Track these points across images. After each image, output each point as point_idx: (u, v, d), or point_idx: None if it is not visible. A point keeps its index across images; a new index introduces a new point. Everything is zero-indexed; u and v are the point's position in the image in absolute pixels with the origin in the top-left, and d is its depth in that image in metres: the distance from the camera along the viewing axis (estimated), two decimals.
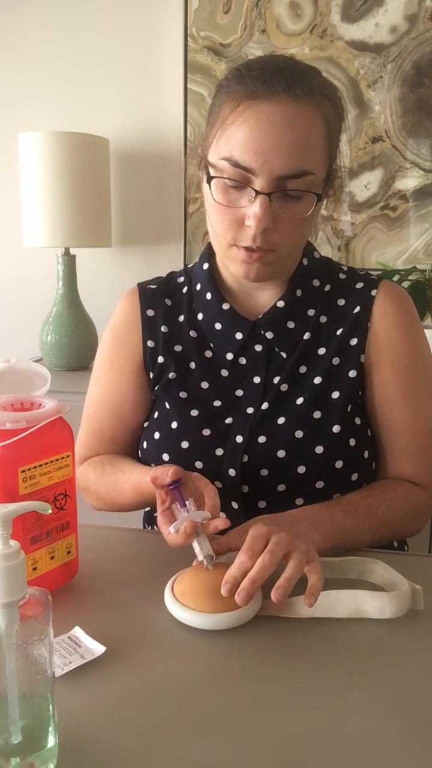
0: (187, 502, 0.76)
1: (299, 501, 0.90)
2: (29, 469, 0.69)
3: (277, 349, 0.94)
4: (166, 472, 0.76)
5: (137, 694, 0.59)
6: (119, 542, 0.90)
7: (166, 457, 0.93)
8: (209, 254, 0.98)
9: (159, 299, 1.00)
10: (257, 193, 0.81)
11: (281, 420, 0.91)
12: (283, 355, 0.94)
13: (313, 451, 0.89)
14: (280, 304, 0.94)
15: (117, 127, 2.10)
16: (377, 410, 0.94)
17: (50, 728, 0.51)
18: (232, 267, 0.90)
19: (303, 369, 0.93)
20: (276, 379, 0.93)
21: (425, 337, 0.97)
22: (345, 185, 0.94)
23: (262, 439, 0.90)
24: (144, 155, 2.11)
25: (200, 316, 0.97)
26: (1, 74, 2.15)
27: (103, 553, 0.85)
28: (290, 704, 0.58)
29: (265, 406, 0.92)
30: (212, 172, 0.85)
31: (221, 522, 0.74)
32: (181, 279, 1.02)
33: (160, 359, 0.97)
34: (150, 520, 1.07)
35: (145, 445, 0.97)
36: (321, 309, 0.95)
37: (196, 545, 0.74)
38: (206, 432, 0.92)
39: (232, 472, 0.90)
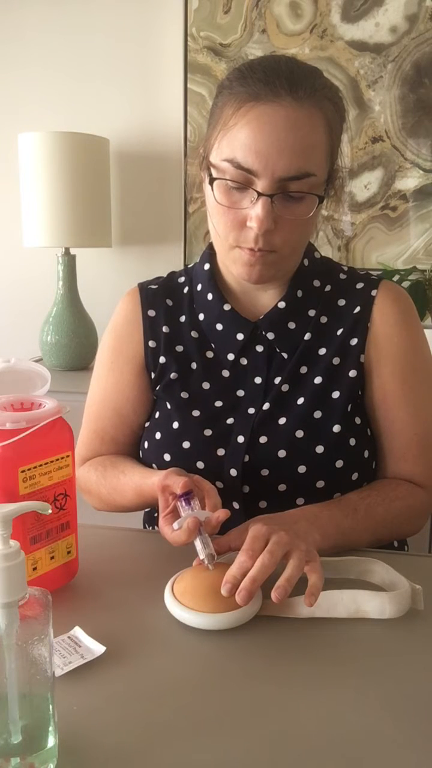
0: (191, 501, 0.76)
1: (300, 501, 0.90)
2: (29, 469, 0.69)
3: (278, 350, 0.94)
4: (178, 483, 0.76)
5: (137, 694, 0.59)
6: (119, 542, 0.90)
7: (167, 457, 0.93)
8: (210, 254, 0.98)
9: (160, 299, 1.00)
10: (259, 194, 0.81)
11: (282, 420, 0.91)
12: (284, 355, 0.94)
13: (314, 450, 0.89)
14: (281, 304, 0.94)
15: (117, 127, 2.10)
16: (377, 410, 0.94)
17: (50, 728, 0.51)
18: (234, 269, 0.90)
19: (304, 369, 0.93)
20: (277, 380, 0.93)
21: (425, 337, 0.97)
22: (346, 185, 0.94)
23: (263, 439, 0.90)
24: (144, 155, 2.11)
25: (201, 317, 0.97)
26: (1, 74, 2.16)
27: (103, 553, 0.85)
28: (290, 704, 0.58)
29: (266, 406, 0.92)
30: (214, 174, 0.85)
31: (222, 513, 0.74)
32: (182, 279, 1.02)
33: (162, 359, 0.97)
34: (150, 520, 1.07)
35: (146, 445, 0.97)
36: (321, 309, 0.96)
37: (198, 543, 0.74)
38: (207, 432, 0.92)
39: (233, 472, 0.90)
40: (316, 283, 0.97)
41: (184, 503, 0.76)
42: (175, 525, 0.75)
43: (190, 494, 0.76)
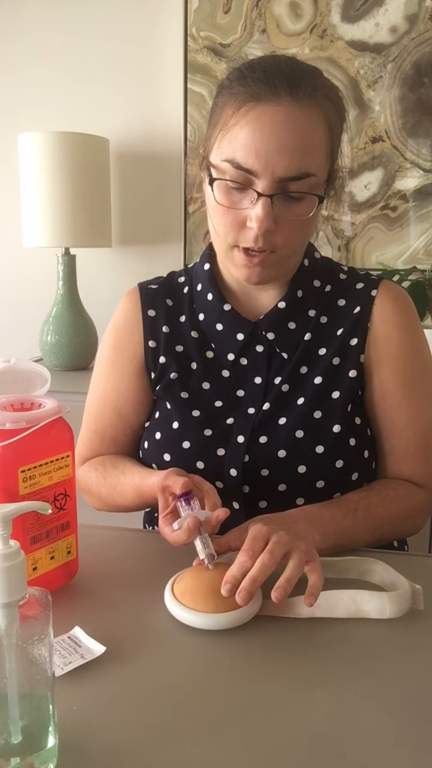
0: (191, 501, 0.76)
1: (300, 501, 0.90)
2: (29, 469, 0.69)
3: (278, 350, 0.94)
4: (177, 484, 0.76)
5: (137, 694, 0.59)
6: (119, 542, 0.90)
7: (167, 457, 0.93)
8: (210, 255, 0.98)
9: (160, 299, 1.00)
10: (259, 194, 0.81)
11: (282, 420, 0.91)
12: (284, 355, 0.94)
13: (314, 450, 0.89)
14: (281, 304, 0.94)
15: (117, 127, 2.10)
16: (377, 410, 0.94)
17: (50, 728, 0.51)
18: (233, 270, 0.90)
19: (304, 369, 0.93)
20: (277, 380, 0.93)
21: (425, 337, 0.97)
22: (346, 185, 0.94)
23: (263, 439, 0.90)
24: (144, 155, 2.11)
25: (201, 317, 0.97)
26: (1, 74, 2.15)
27: (103, 553, 0.85)
28: (290, 704, 0.58)
29: (266, 406, 0.92)
30: (214, 174, 0.85)
31: (222, 512, 0.74)
32: (182, 279, 1.02)
33: (162, 359, 0.97)
34: (150, 520, 1.07)
35: (146, 445, 0.97)
36: (322, 309, 0.96)
37: (198, 543, 0.74)
38: (207, 432, 0.92)
39: (233, 472, 0.90)
40: (316, 283, 0.97)
41: (184, 503, 0.76)
42: (175, 525, 0.75)
43: (190, 494, 0.76)
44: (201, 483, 0.79)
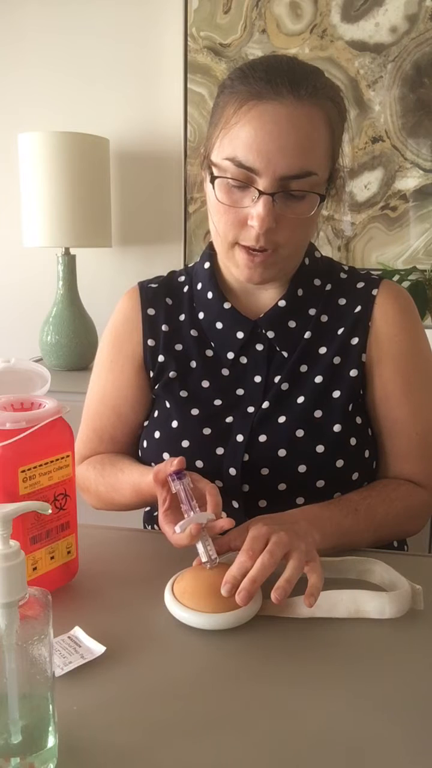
0: (183, 479, 0.75)
1: (300, 500, 0.90)
2: (29, 469, 0.69)
3: (278, 349, 0.94)
4: (171, 462, 0.76)
5: (137, 694, 0.59)
6: (119, 542, 0.90)
7: (166, 456, 0.93)
8: (210, 254, 0.98)
9: (160, 298, 1.00)
10: (261, 193, 0.81)
11: (282, 419, 0.91)
12: (284, 354, 0.94)
13: (314, 450, 0.89)
14: (282, 303, 0.94)
15: (117, 127, 2.10)
16: (378, 409, 0.94)
17: (50, 728, 0.50)
18: (234, 270, 0.90)
19: (304, 368, 0.93)
20: (277, 378, 0.93)
21: (426, 337, 0.97)
22: (346, 185, 0.94)
23: (262, 438, 0.90)
24: (144, 155, 2.11)
25: (201, 315, 0.97)
26: (1, 74, 2.15)
27: (103, 553, 0.85)
28: (290, 704, 0.58)
29: (265, 405, 0.92)
30: (216, 172, 0.85)
31: (226, 522, 0.74)
32: (182, 278, 1.02)
33: (161, 358, 0.97)
34: (150, 520, 1.07)
35: (145, 444, 0.97)
36: (322, 308, 0.95)
37: (200, 546, 0.74)
38: (207, 431, 0.92)
39: (232, 471, 0.90)
40: (317, 282, 0.97)
41: (175, 478, 0.75)
42: (178, 528, 0.74)
43: (182, 474, 0.75)
44: (199, 481, 0.79)
